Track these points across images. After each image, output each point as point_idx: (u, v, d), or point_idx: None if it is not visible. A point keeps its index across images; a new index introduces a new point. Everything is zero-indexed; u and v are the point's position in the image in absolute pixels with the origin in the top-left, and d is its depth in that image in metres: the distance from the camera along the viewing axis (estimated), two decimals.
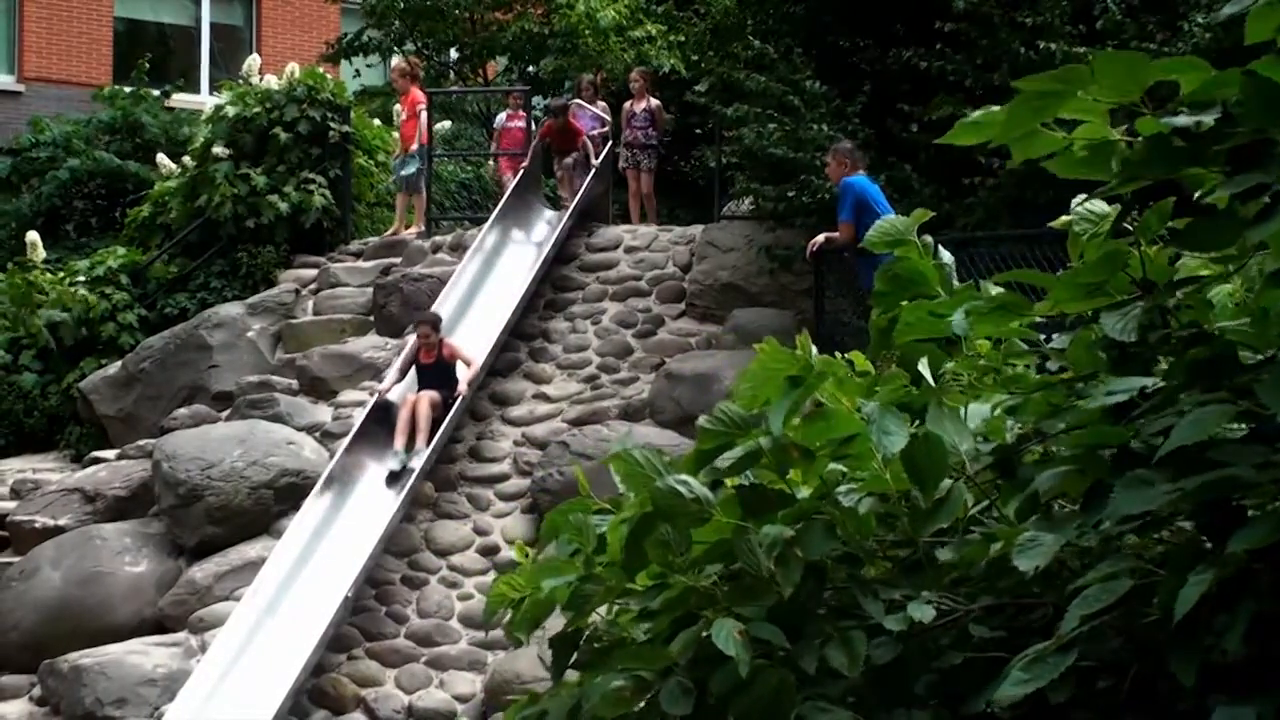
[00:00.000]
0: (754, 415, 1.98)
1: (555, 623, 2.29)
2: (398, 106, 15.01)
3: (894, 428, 1.94)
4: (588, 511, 2.01)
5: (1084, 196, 2.07)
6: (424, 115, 14.44)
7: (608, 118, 14.79)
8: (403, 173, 14.51)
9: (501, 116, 15.56)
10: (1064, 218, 2.11)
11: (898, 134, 11.40)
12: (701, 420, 2.00)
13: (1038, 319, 2.28)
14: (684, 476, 1.92)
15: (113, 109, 18.14)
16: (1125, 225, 2.03)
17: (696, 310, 12.72)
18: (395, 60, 16.00)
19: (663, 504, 1.89)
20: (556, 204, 14.16)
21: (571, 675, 2.28)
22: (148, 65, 19.63)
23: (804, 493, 2.04)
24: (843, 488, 2.07)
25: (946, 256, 2.41)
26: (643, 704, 1.89)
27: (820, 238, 10.91)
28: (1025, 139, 1.90)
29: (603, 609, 2.07)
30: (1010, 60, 10.81)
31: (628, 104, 14.89)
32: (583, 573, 1.97)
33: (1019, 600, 2.01)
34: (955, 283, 2.36)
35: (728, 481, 1.96)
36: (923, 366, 2.22)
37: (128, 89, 18.86)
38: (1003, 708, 1.96)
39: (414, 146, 14.42)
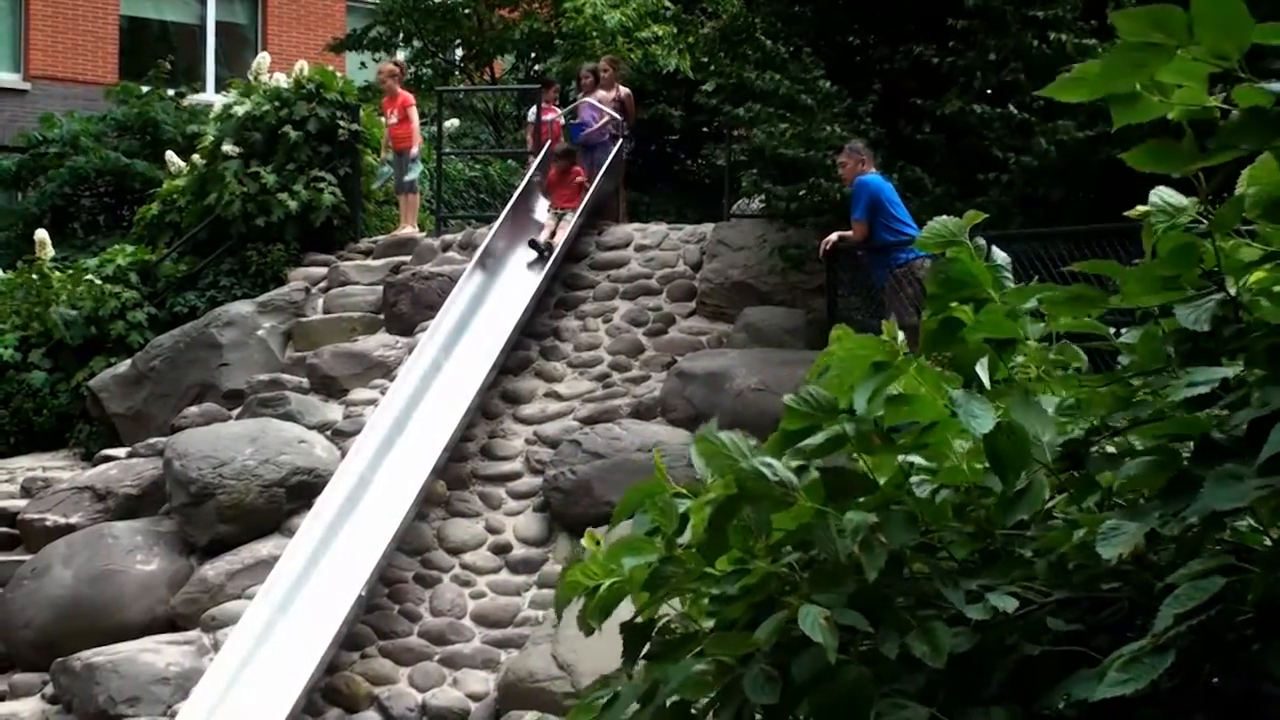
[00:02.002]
0: (838, 399, 1.98)
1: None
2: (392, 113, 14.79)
3: (980, 411, 1.94)
4: (664, 493, 2.01)
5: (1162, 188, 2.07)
6: (416, 116, 14.51)
7: (611, 112, 14.69)
8: (406, 178, 14.58)
9: (533, 111, 15.39)
10: (1140, 208, 2.11)
11: (909, 133, 11.40)
12: (787, 399, 1.99)
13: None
14: (768, 459, 1.92)
15: (128, 107, 18.16)
16: (1200, 217, 2.03)
17: (707, 309, 12.72)
18: (382, 64, 15.89)
19: (748, 486, 1.89)
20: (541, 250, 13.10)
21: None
22: (164, 67, 19.67)
23: (880, 480, 2.04)
24: (915, 478, 2.07)
25: (1001, 257, 2.40)
26: (720, 689, 1.89)
27: (833, 236, 10.90)
28: (1126, 103, 1.88)
29: (674, 602, 2.07)
30: (1022, 56, 10.82)
31: (599, 93, 14.85)
32: (663, 554, 1.97)
33: (1094, 595, 2.01)
34: (1011, 282, 2.35)
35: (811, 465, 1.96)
36: (981, 368, 2.21)
37: (145, 88, 18.89)
38: (1072, 704, 1.96)
39: (414, 149, 14.51)
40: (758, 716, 1.88)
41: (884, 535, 1.92)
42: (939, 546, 2.03)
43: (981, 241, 2.38)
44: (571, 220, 13.29)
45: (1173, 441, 1.96)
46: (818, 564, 1.95)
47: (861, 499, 1.99)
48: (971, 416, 1.94)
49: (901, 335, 2.10)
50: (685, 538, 2.01)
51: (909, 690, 1.90)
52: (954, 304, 2.26)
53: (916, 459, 2.08)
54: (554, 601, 2.21)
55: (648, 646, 2.08)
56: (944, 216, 2.41)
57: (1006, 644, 1.99)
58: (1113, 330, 2.26)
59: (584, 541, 2.11)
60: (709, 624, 2.05)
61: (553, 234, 13.15)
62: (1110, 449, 2.12)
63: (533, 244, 13.11)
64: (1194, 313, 2.01)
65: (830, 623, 1.80)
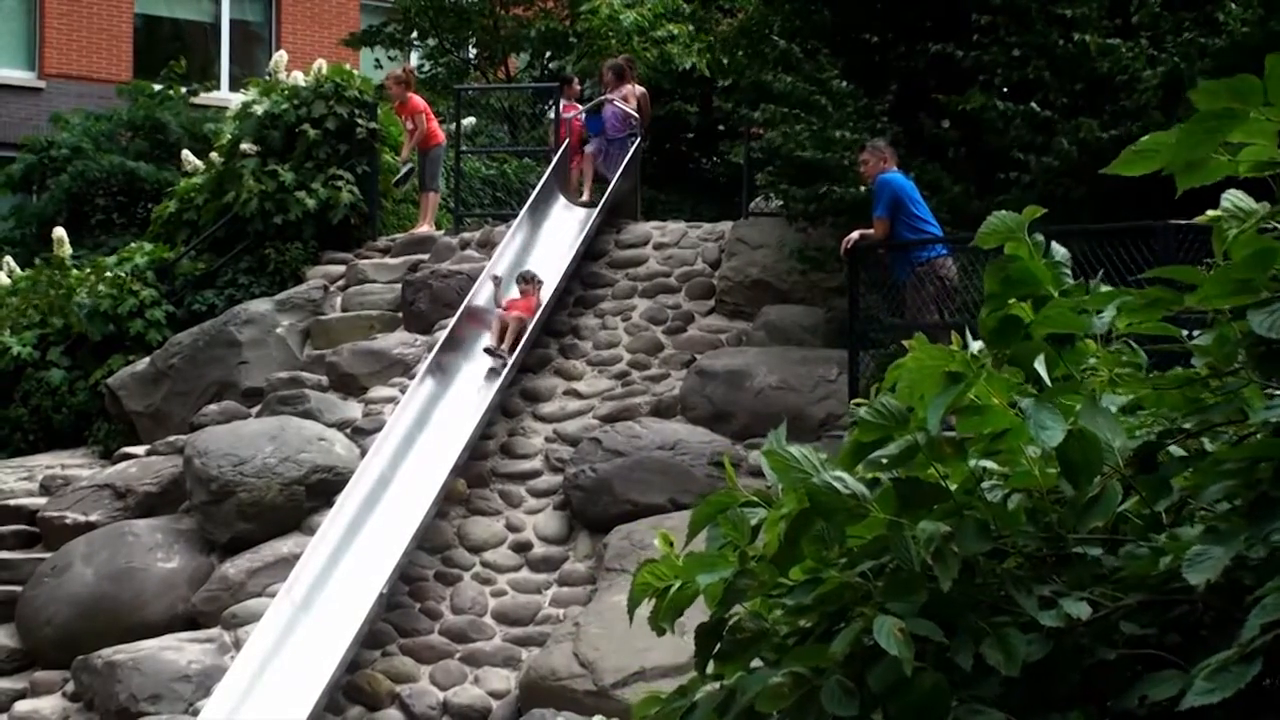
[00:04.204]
0: (910, 409, 1.98)
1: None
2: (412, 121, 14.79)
3: (1050, 422, 1.93)
4: (736, 504, 2.01)
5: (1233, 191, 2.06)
6: (431, 113, 14.80)
7: (629, 109, 14.64)
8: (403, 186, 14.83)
9: (561, 104, 15.36)
10: (1211, 211, 2.10)
11: (927, 131, 11.37)
12: (861, 412, 1.99)
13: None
14: (839, 472, 1.92)
15: (135, 107, 18.18)
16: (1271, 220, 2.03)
17: (726, 307, 12.70)
18: (389, 73, 15.89)
19: (821, 500, 1.89)
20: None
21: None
22: (181, 65, 19.70)
23: (952, 487, 2.04)
24: (986, 484, 2.06)
25: (1061, 253, 2.38)
26: (796, 700, 1.88)
27: (854, 234, 10.86)
28: (1192, 167, 1.89)
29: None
30: (1046, 53, 10.78)
31: (625, 88, 14.81)
32: (738, 567, 1.96)
33: (1167, 598, 2.00)
34: (1069, 277, 2.34)
35: (882, 476, 1.96)
36: (1040, 365, 2.20)
37: (157, 86, 18.91)
38: (1143, 707, 1.95)
39: (406, 152, 14.66)
40: None
41: (957, 544, 1.91)
42: (1011, 552, 2.02)
43: (1040, 237, 2.36)
44: (530, 324, 12.11)
45: (1257, 463, 1.95)
46: (891, 573, 1.95)
47: (935, 507, 1.98)
48: (1041, 428, 1.93)
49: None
50: (759, 546, 2.00)
51: (984, 695, 1.89)
52: (1013, 301, 2.24)
53: (989, 464, 2.08)
54: (626, 603, 2.21)
55: (720, 646, 2.07)
56: (1002, 212, 2.39)
57: (1080, 646, 1.99)
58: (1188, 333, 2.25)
59: (656, 543, 2.11)
60: (784, 626, 2.05)
61: (502, 335, 11.99)
62: (1181, 451, 2.11)
63: (488, 351, 11.97)
64: (1267, 318, 2.00)
65: (905, 634, 1.80)
